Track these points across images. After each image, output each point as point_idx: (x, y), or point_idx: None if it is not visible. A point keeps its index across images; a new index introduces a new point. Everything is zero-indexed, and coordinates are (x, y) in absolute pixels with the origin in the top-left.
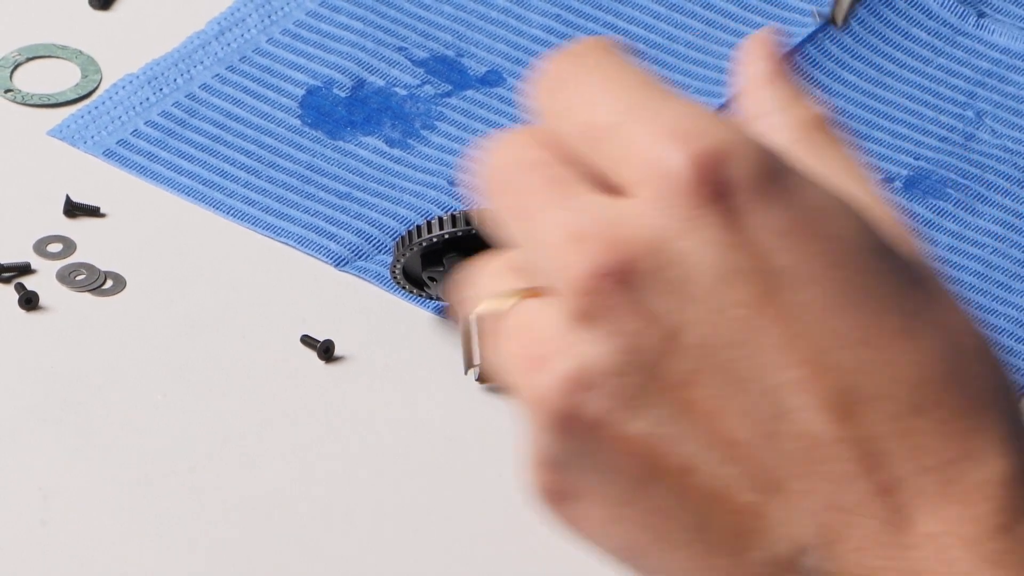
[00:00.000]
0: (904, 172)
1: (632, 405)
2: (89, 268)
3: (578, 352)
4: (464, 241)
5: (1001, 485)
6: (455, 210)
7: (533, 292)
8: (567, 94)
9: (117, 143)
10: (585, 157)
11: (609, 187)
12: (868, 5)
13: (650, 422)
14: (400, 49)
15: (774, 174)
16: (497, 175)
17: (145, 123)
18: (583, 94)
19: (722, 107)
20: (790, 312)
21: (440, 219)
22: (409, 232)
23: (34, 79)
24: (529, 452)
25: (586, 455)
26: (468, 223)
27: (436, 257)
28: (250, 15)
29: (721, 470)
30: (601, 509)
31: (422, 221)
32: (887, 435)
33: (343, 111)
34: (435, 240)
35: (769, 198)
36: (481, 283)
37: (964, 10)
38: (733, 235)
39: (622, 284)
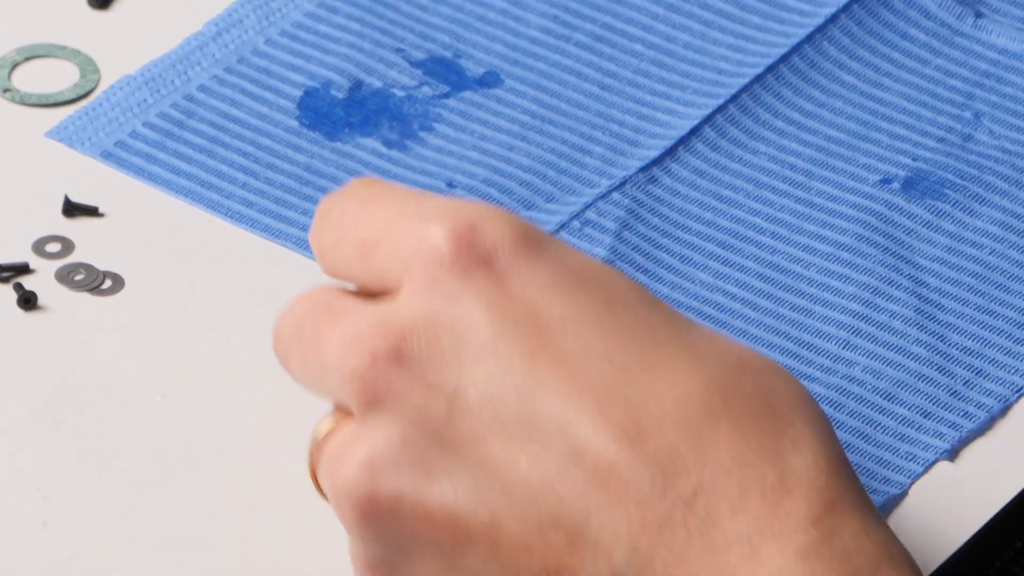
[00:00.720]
0: (902, 173)
1: (426, 474)
2: (88, 268)
3: (368, 438)
4: None
5: (804, 480)
6: None
7: (344, 418)
8: (335, 226)
9: (115, 145)
10: (364, 276)
11: (387, 293)
12: (866, 5)
13: (448, 487)
14: (398, 50)
15: (530, 236)
16: (286, 333)
17: (143, 124)
18: (350, 221)
19: (721, 108)
20: (567, 355)
21: None
22: None
23: (32, 79)
24: (355, 564)
25: (396, 540)
26: None
27: None
28: (248, 16)
29: (525, 517)
30: None
31: None
32: (681, 447)
33: (341, 112)
34: None
35: (529, 257)
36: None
37: (962, 11)
38: (500, 295)
39: (397, 363)
